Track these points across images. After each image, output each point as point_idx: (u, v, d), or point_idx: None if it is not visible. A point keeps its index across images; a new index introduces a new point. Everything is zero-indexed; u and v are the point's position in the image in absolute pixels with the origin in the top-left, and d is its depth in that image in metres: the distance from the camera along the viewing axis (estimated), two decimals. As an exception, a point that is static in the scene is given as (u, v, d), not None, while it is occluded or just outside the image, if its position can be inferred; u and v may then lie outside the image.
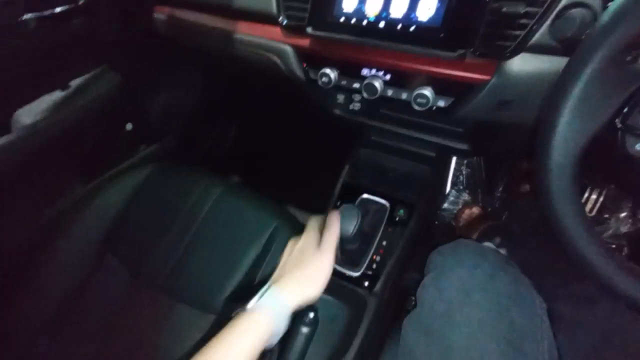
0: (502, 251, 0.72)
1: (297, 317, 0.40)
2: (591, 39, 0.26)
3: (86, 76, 0.73)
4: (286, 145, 1.13)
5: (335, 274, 0.56)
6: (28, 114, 0.65)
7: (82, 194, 0.75)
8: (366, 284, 0.54)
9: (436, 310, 0.43)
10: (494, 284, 0.42)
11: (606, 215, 0.75)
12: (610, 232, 0.74)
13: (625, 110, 0.27)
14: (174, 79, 0.94)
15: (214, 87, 1.04)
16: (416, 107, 0.47)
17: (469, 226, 0.87)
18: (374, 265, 0.56)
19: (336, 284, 0.55)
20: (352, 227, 0.47)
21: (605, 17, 0.27)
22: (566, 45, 0.37)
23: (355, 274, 0.55)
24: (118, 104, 0.80)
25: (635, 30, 0.25)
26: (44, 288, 0.62)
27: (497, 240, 0.76)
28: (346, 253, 0.57)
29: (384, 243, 0.57)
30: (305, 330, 0.39)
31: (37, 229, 0.68)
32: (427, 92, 0.46)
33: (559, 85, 0.27)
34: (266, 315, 0.38)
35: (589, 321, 0.44)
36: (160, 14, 0.73)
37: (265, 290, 0.40)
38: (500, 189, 0.92)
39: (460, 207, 0.92)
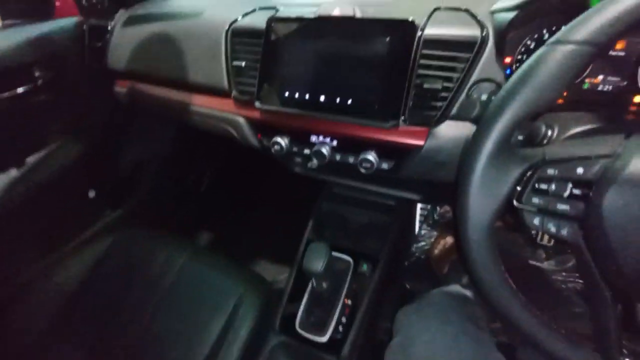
0: (468, 293, 0.73)
1: None
2: (483, 125, 0.29)
3: (46, 150, 0.73)
4: (252, 204, 1.14)
5: (302, 340, 0.55)
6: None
7: (43, 266, 0.72)
8: (333, 350, 0.53)
9: None
10: (457, 346, 0.45)
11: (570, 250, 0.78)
12: (570, 264, 0.76)
13: (519, 189, 0.29)
14: (138, 143, 0.95)
15: (177, 151, 1.06)
16: (362, 171, 0.50)
17: (443, 257, 0.89)
18: (340, 328, 0.55)
19: (303, 352, 0.54)
20: (321, 264, 0.49)
21: (492, 105, 0.30)
22: (481, 114, 0.41)
23: (322, 340, 0.54)
24: (80, 173, 0.80)
25: (518, 115, 0.28)
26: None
27: (465, 280, 0.77)
28: (315, 297, 0.57)
29: (349, 302, 0.57)
30: None
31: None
32: (371, 156, 0.49)
33: (461, 166, 0.30)
34: None
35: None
36: (122, 87, 0.76)
37: None
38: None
39: (433, 240, 0.95)
